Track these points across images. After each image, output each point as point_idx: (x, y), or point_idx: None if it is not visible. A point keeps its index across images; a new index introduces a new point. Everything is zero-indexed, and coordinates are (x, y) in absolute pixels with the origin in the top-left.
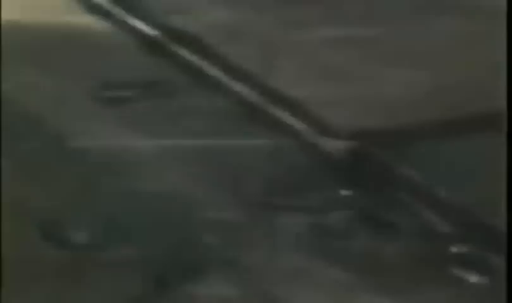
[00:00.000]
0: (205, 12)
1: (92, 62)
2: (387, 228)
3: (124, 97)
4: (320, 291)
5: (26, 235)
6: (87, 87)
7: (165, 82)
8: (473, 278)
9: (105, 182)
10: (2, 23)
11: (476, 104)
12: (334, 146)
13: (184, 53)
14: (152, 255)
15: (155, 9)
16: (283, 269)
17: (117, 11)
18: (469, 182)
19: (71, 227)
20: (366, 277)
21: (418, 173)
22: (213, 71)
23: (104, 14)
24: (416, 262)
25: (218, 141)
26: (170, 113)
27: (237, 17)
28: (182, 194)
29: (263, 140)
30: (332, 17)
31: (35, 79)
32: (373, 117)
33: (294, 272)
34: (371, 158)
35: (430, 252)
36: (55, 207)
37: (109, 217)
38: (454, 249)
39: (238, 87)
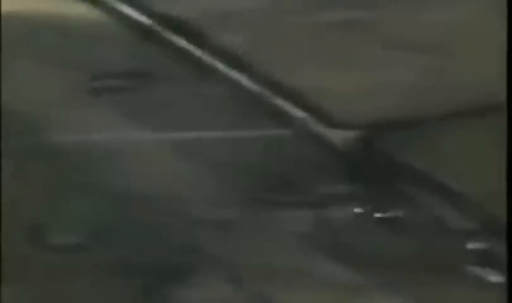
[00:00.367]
0: None
1: (83, 52)
2: (395, 223)
3: (114, 87)
4: (324, 292)
5: (9, 237)
6: (77, 78)
7: (158, 72)
8: (490, 277)
9: (90, 180)
10: None
11: (482, 89)
12: (338, 136)
13: (180, 41)
14: (140, 258)
15: None
16: (283, 270)
17: (112, 0)
18: (481, 173)
19: (54, 230)
20: (373, 276)
21: (427, 164)
22: (210, 60)
23: (98, 3)
24: (427, 260)
25: (213, 133)
26: (163, 104)
27: (232, 3)
28: (174, 191)
29: (262, 131)
30: (331, 0)
31: (24, 70)
32: (379, 104)
33: (295, 272)
34: (377, 149)
35: (442, 248)
36: (38, 208)
37: (94, 218)
38: (469, 246)
39: (236, 76)
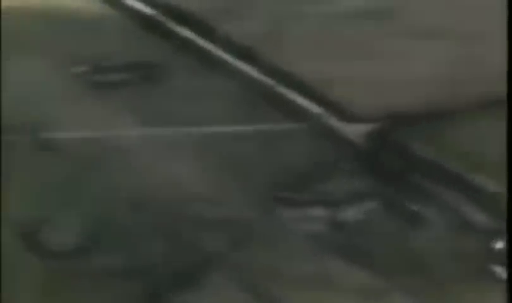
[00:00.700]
0: None
1: (84, 45)
2: (414, 221)
3: (117, 81)
4: (340, 296)
5: (5, 242)
6: (78, 72)
7: (163, 65)
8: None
9: (91, 179)
10: None
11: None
12: (353, 130)
13: (185, 32)
14: (145, 262)
15: None
16: (296, 273)
17: None
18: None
19: (54, 232)
20: (391, 278)
21: (445, 158)
22: (218, 51)
23: None
24: (449, 260)
25: (222, 128)
26: (167, 98)
27: None
28: (180, 190)
29: (273, 126)
30: None
31: (23, 65)
32: (396, 96)
33: (309, 275)
34: (393, 142)
35: (464, 247)
36: (36, 208)
37: (96, 219)
38: (493, 244)
39: (245, 68)
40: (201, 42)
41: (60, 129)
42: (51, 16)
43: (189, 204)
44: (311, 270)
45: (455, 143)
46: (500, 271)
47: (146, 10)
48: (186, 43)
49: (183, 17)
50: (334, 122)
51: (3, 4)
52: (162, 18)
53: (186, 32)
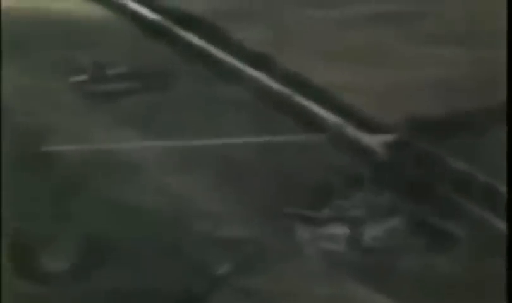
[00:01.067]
0: None
1: (84, 51)
2: (442, 240)
3: (119, 90)
4: None
5: None
6: (78, 80)
7: (168, 73)
8: None
9: (89, 194)
10: None
11: None
12: (375, 140)
13: (193, 39)
14: (146, 284)
15: None
16: (310, 298)
17: None
18: None
19: (46, 253)
20: None
21: (471, 166)
22: (229, 58)
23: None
24: (480, 281)
25: (231, 140)
26: (172, 109)
27: None
28: (185, 207)
29: (288, 136)
30: None
31: (16, 72)
32: (418, 103)
33: (325, 301)
34: (418, 152)
35: (497, 267)
36: (27, 227)
37: (93, 237)
38: None
39: (258, 75)
40: (211, 49)
41: (56, 142)
42: (49, 20)
43: (195, 222)
44: (327, 294)
45: (485, 153)
46: None
47: (151, 15)
48: (194, 50)
49: (191, 23)
50: (354, 132)
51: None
52: (168, 23)
53: (194, 38)
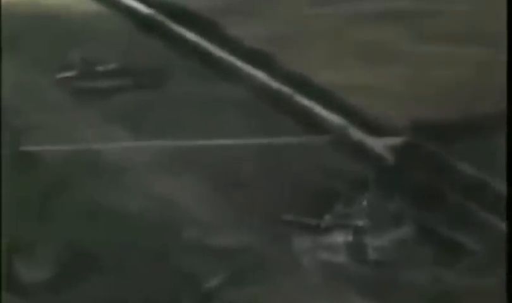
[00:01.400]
0: None
1: (73, 46)
2: (453, 250)
3: (107, 88)
4: None
5: None
6: (67, 76)
7: (161, 70)
8: None
9: (73, 197)
10: None
11: None
12: (381, 143)
13: (189, 34)
14: (131, 296)
15: None
16: None
17: None
18: None
19: (24, 261)
20: None
21: (482, 172)
22: (226, 56)
23: None
24: (495, 295)
25: (227, 141)
26: (165, 108)
27: None
28: (175, 213)
29: (288, 138)
30: None
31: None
32: (426, 105)
33: None
34: (427, 157)
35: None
36: (4, 232)
37: (75, 244)
38: None
39: (257, 74)
40: (207, 45)
41: (40, 141)
42: (36, 12)
43: (185, 229)
44: None
45: (497, 158)
46: None
47: (146, 9)
48: (189, 46)
49: (187, 18)
50: (358, 134)
51: None
52: (162, 18)
53: (189, 34)
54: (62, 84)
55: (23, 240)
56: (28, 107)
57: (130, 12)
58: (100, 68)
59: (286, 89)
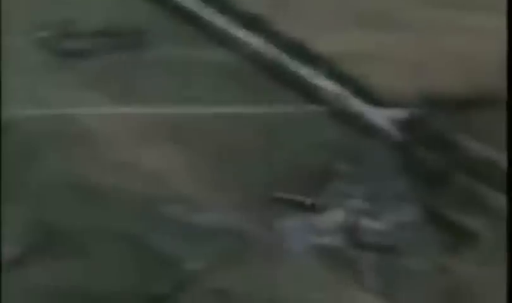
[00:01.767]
0: None
1: (55, 6)
2: (459, 234)
3: (86, 49)
4: None
5: None
6: (41, 36)
7: (144, 31)
8: None
9: (43, 168)
10: None
11: None
12: (383, 116)
13: None
14: (103, 280)
15: None
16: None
17: None
18: None
19: None
20: None
21: (499, 153)
22: (214, 17)
23: None
24: (499, 286)
25: (213, 109)
26: (148, 72)
27: None
28: (155, 186)
29: (280, 107)
30: None
31: None
32: (435, 76)
33: None
34: (434, 133)
35: None
36: None
37: (44, 222)
38: None
39: (249, 39)
40: (197, 7)
41: (12, 106)
42: None
43: (165, 206)
44: (320, 300)
45: (501, 131)
46: None
47: None
48: (176, 7)
49: None
50: (359, 105)
51: None
52: None
53: None
54: (38, 45)
55: None
56: (3, 69)
57: None
58: (79, 28)
59: (280, 57)
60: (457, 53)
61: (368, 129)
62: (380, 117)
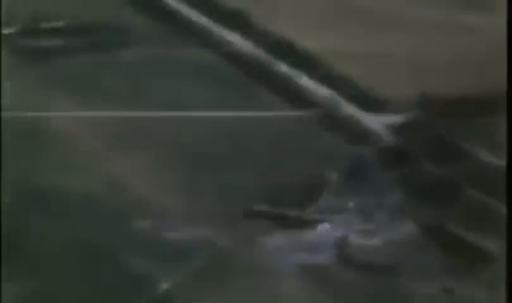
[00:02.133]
0: None
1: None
2: (466, 253)
3: (52, 48)
4: None
5: None
6: (5, 33)
7: (118, 28)
8: None
9: (3, 177)
10: None
11: None
12: (379, 121)
13: None
14: (65, 298)
15: None
16: None
17: None
18: None
19: None
20: None
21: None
22: (197, 16)
23: None
24: None
25: (190, 113)
26: (121, 73)
27: None
28: (122, 197)
29: (267, 112)
30: None
31: None
32: (434, 79)
33: None
34: (434, 139)
35: None
36: None
37: (5, 234)
38: None
39: (232, 37)
40: (176, 3)
41: None
42: None
43: (133, 218)
44: None
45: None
46: None
47: None
48: (153, 3)
49: None
50: (352, 110)
51: None
52: None
53: None
54: (3, 42)
55: None
56: None
57: None
58: (46, 25)
59: (264, 56)
60: (457, 53)
61: (362, 136)
62: (374, 122)
